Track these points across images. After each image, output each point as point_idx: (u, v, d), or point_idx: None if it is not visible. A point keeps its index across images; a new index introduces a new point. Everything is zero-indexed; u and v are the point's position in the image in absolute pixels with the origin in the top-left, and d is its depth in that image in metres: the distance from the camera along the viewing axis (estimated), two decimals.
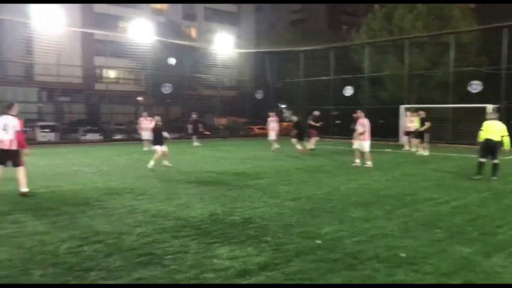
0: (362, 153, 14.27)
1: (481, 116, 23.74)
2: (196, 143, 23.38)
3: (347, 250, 5.53)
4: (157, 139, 13.42)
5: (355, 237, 6.10)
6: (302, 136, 18.78)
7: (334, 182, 10.99)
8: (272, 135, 20.50)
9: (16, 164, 9.05)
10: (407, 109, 22.49)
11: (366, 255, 5.36)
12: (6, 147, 8.90)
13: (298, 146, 18.37)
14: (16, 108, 9.22)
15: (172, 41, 30.31)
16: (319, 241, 5.84)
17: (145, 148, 19.63)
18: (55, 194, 9.15)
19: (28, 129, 28.51)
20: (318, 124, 21.11)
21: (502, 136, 11.46)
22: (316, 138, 21.07)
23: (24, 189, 9.01)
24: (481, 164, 11.59)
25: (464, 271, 4.85)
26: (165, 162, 13.48)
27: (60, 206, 7.95)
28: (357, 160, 14.33)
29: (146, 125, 19.74)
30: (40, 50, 27.25)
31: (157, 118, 13.87)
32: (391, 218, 7.24)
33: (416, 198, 8.95)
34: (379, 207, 8.05)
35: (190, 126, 24.59)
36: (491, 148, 11.50)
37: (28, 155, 9.53)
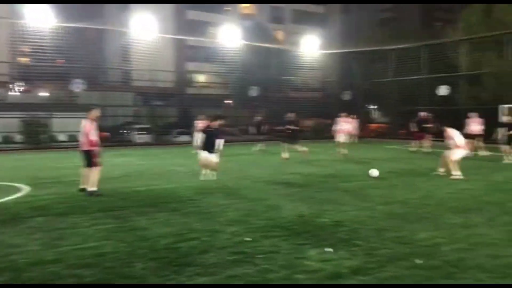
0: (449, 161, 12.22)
1: None
2: (258, 146, 20.94)
3: (445, 258, 5.24)
4: (207, 144, 11.34)
5: (454, 245, 5.76)
6: (293, 139, 17.15)
7: (429, 187, 10.48)
8: (341, 137, 18.74)
9: (89, 164, 9.43)
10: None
11: (468, 264, 5.04)
12: (81, 148, 9.55)
13: (284, 154, 16.85)
14: (94, 113, 9.65)
15: (259, 44, 30.78)
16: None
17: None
18: (153, 193, 9.67)
19: (125, 131, 30.62)
20: (429, 125, 19.75)
21: None
22: (427, 142, 19.71)
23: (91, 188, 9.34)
24: None
25: None
26: (208, 173, 11.46)
27: (158, 204, 8.39)
28: (441, 169, 12.43)
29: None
30: (136, 57, 29.05)
31: (219, 122, 11.78)
32: (493, 226, 6.74)
33: None
34: (479, 214, 7.53)
35: (253, 128, 22.63)
36: None
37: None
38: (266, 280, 4.58)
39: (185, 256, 5.29)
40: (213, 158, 11.27)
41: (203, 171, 11.56)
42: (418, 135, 20.02)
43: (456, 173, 11.76)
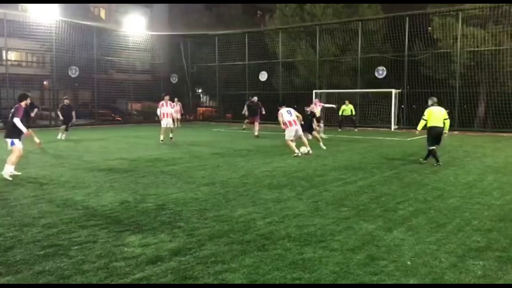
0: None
1: (386, 100, 25.51)
2: (62, 135, 18.01)
3: (259, 231, 5.64)
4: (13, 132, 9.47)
5: (267, 219, 6.23)
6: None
7: (249, 166, 11.12)
8: (165, 122, 17.57)
9: None
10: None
11: (278, 235, 5.50)
12: None
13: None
14: None
15: (77, 21, 28.62)
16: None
17: None
18: None
19: None
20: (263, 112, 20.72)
21: (445, 119, 11.37)
22: (257, 125, 19.94)
23: None
24: (433, 151, 11.36)
25: (368, 245, 5.15)
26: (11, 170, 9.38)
27: None
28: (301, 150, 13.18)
29: None
30: None
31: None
32: (301, 199, 7.48)
33: (326, 179, 9.33)
34: (291, 189, 8.29)
35: (59, 113, 18.82)
36: (438, 135, 11.38)
37: None
38: (81, 272, 4.33)
39: None
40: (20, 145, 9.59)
41: (11, 169, 9.33)
42: (252, 119, 20.70)
43: (295, 151, 12.90)
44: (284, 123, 13.10)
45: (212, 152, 13.91)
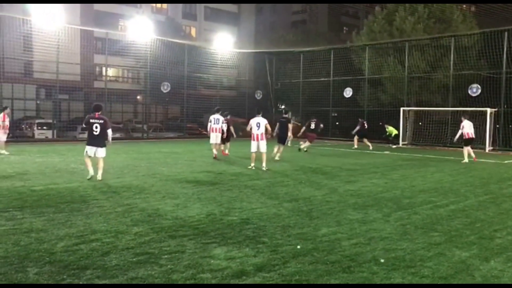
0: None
1: (480, 119, 23.99)
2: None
3: (344, 252, 5.51)
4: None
5: (352, 239, 6.08)
6: None
7: (333, 184, 10.97)
8: (214, 138, 16.56)
9: None
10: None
11: (364, 257, 5.33)
12: None
13: None
14: None
15: (170, 40, 30.26)
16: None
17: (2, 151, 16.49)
18: (53, 192, 9.09)
19: (25, 126, 28.53)
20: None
21: None
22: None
23: None
24: None
25: (462, 274, 4.83)
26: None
27: (57, 204, 7.91)
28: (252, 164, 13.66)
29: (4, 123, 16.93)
30: (39, 47, 27.13)
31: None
32: (389, 221, 7.21)
33: (414, 201, 8.93)
34: (377, 210, 8.03)
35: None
36: None
37: None
38: (170, 281, 4.50)
39: (85, 259, 5.04)
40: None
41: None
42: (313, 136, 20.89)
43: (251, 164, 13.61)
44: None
45: (294, 169, 13.89)
